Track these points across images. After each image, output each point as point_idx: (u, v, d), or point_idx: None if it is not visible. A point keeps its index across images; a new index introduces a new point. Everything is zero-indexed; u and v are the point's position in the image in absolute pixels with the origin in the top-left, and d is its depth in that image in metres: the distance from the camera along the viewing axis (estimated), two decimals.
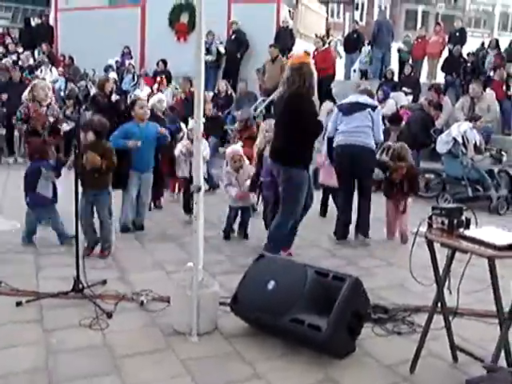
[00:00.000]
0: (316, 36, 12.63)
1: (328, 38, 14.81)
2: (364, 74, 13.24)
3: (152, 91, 10.57)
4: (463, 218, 2.87)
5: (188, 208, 6.05)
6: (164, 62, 12.50)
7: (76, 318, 3.62)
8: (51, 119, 6.19)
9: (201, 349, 3.31)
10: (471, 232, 2.80)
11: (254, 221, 6.45)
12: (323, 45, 11.78)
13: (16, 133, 9.46)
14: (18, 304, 3.80)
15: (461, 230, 2.84)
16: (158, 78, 11.47)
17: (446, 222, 2.86)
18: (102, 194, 4.98)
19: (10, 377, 2.92)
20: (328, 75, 10.94)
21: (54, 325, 3.55)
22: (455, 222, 2.84)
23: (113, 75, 11.81)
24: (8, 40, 15.77)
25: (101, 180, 4.92)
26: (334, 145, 5.67)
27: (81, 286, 3.99)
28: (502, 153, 7.93)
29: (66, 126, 10.57)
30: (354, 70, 13.42)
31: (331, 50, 12.19)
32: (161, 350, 3.29)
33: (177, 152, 6.43)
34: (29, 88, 6.43)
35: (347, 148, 5.49)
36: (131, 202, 5.73)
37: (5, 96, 8.76)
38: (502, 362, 2.80)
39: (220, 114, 10.16)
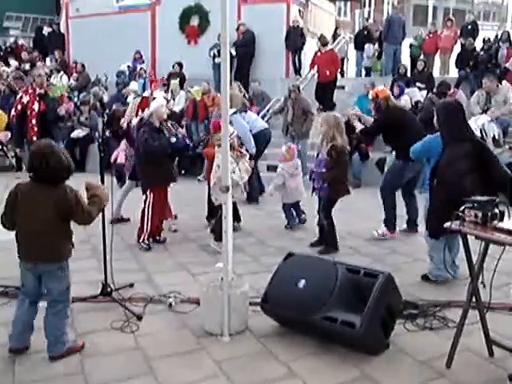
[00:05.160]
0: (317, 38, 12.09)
1: (337, 36, 14.55)
2: (368, 72, 13.17)
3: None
4: (497, 210, 2.84)
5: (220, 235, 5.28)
6: (180, 64, 12.48)
7: (107, 321, 3.64)
8: None
9: (233, 349, 3.31)
10: (507, 224, 2.77)
11: (270, 221, 6.49)
12: (323, 45, 11.35)
13: None
14: None
15: (495, 222, 2.81)
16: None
17: (480, 214, 2.83)
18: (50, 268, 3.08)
19: (49, 380, 2.94)
20: (331, 80, 10.98)
21: (86, 328, 3.57)
22: (489, 214, 2.81)
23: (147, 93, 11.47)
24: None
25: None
26: None
27: (109, 289, 4.01)
28: None
29: (80, 132, 10.68)
30: (365, 68, 13.38)
31: (334, 50, 11.80)
32: (193, 351, 3.30)
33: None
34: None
35: None
36: None
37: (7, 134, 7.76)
38: None
39: None
